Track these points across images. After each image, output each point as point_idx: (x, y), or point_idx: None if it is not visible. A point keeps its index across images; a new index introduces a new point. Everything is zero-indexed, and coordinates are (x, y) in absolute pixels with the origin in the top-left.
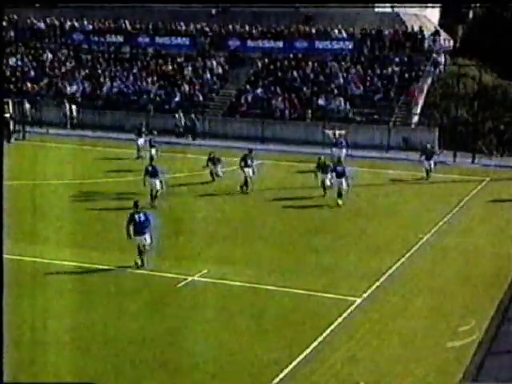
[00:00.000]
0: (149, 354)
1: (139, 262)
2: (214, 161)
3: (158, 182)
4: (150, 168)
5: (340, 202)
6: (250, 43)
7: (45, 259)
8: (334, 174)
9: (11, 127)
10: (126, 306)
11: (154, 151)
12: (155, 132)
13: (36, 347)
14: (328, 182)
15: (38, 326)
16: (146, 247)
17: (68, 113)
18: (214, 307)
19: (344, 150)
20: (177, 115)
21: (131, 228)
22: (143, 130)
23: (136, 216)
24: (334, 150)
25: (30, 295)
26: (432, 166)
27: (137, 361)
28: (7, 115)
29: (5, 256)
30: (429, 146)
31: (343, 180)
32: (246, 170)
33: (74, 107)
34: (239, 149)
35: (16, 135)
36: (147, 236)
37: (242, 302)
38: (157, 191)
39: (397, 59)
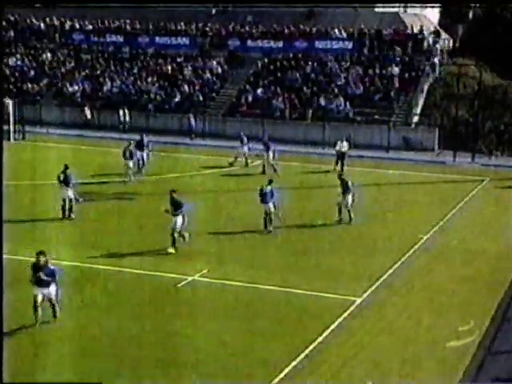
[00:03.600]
0: (148, 354)
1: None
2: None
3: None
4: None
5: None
6: (249, 43)
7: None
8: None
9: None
10: (125, 306)
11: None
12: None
13: (36, 346)
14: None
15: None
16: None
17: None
18: (214, 307)
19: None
20: (121, 111)
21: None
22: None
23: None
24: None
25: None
26: None
27: (136, 361)
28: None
29: (4, 256)
30: None
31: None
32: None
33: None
34: (238, 149)
35: (15, 135)
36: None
37: (242, 301)
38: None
39: (397, 59)
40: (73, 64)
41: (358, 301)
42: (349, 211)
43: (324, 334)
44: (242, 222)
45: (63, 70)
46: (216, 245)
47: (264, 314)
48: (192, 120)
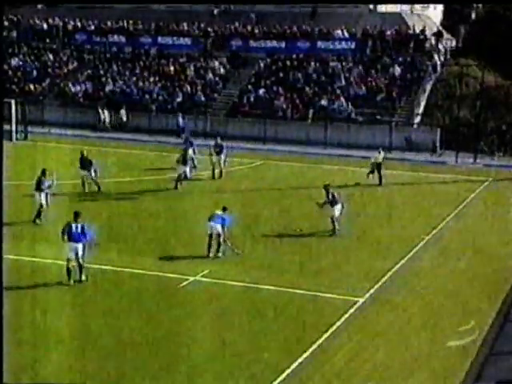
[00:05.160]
0: (150, 355)
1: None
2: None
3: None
4: None
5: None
6: (252, 43)
7: (43, 259)
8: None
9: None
10: (126, 307)
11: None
12: None
13: (37, 347)
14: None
15: (38, 326)
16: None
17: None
18: (215, 307)
19: None
20: (100, 110)
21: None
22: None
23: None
24: None
25: (30, 295)
26: None
27: (138, 362)
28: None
29: (3, 256)
30: None
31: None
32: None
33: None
34: (241, 149)
35: (18, 135)
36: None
37: (244, 302)
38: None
39: (399, 59)
40: (75, 64)
41: (361, 301)
42: (333, 222)
43: (326, 335)
44: (243, 223)
45: (66, 70)
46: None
47: (266, 315)
48: (180, 119)
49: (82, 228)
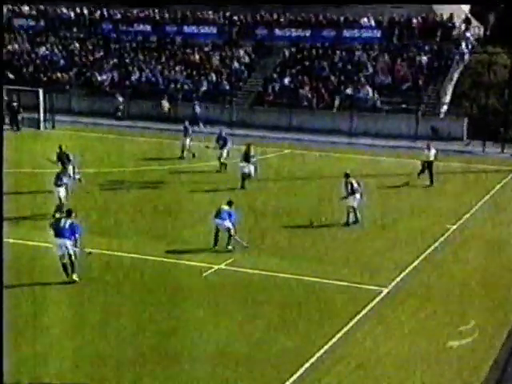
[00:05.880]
0: (172, 344)
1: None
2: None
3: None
4: None
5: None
6: (277, 32)
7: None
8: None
9: (19, 117)
10: (150, 295)
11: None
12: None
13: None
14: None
15: (61, 310)
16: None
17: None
18: (239, 296)
19: None
20: (118, 99)
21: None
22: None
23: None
24: None
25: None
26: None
27: (161, 350)
28: (15, 104)
29: (28, 242)
30: None
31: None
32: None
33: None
34: (266, 138)
35: (45, 124)
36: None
37: (268, 291)
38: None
39: (426, 47)
40: (101, 53)
41: (385, 291)
42: (354, 212)
43: (350, 324)
44: (268, 211)
45: (92, 59)
46: (241, 233)
47: (289, 304)
48: (197, 108)
49: (71, 225)
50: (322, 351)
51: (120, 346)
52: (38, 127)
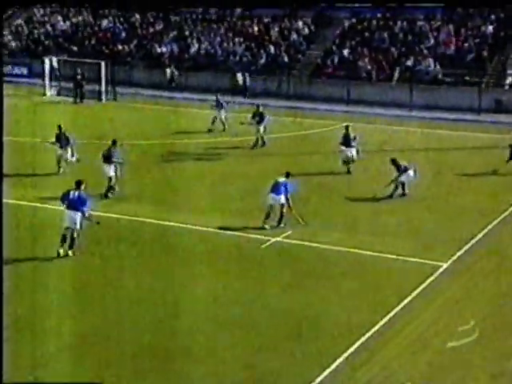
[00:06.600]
0: (230, 314)
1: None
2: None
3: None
4: None
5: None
6: (337, 3)
7: (128, 216)
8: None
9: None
10: (209, 267)
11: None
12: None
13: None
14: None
15: (121, 279)
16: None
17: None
18: (297, 269)
19: None
20: (168, 70)
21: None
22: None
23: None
24: None
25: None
26: None
27: (220, 319)
28: (78, 76)
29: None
30: None
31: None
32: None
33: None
34: (324, 111)
35: (107, 95)
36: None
37: (326, 264)
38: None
39: (492, 16)
40: (161, 25)
41: (444, 266)
42: (403, 187)
43: (409, 298)
44: (324, 185)
45: (152, 31)
46: (299, 206)
47: (348, 277)
48: (240, 78)
49: (79, 196)
50: (380, 323)
51: (180, 313)
52: (100, 99)
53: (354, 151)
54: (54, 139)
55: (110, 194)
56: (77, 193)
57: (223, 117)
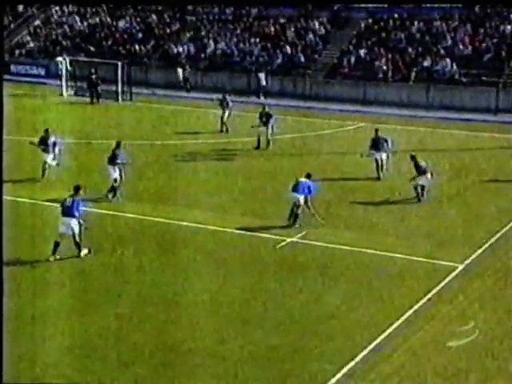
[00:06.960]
0: (248, 314)
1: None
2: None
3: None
4: None
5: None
6: (353, 3)
7: (141, 215)
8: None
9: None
10: (224, 267)
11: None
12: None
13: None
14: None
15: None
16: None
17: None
18: (313, 269)
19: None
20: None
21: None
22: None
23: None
24: None
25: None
26: None
27: (237, 320)
28: (94, 76)
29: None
30: None
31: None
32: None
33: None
34: (340, 111)
35: (123, 96)
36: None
37: (341, 264)
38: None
39: (511, 16)
40: (178, 26)
41: (460, 267)
42: (422, 190)
43: (424, 300)
44: (340, 186)
45: (169, 31)
46: (315, 207)
47: (363, 278)
48: (262, 78)
49: (74, 202)
50: (395, 325)
51: (192, 314)
52: (117, 99)
53: (384, 155)
54: (37, 141)
55: (118, 195)
56: (72, 199)
57: (225, 117)
